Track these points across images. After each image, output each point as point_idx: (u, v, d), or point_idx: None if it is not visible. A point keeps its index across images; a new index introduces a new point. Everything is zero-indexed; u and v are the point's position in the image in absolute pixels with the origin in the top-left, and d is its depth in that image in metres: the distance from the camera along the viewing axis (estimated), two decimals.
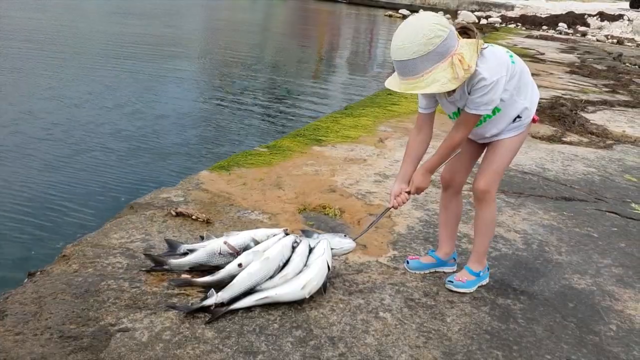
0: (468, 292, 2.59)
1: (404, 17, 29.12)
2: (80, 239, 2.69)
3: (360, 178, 3.95)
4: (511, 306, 2.54)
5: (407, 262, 2.76)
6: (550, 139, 5.59)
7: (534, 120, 2.49)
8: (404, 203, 2.50)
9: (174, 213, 2.99)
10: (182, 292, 2.33)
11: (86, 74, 8.61)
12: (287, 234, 2.58)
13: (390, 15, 29.34)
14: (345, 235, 2.61)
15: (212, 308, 2.20)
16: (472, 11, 29.07)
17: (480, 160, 2.62)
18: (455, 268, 2.79)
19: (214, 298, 2.21)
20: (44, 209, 4.19)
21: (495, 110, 2.32)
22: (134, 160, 5.31)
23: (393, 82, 2.25)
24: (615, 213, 3.83)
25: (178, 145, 5.87)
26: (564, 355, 2.24)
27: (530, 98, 2.43)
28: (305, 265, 2.42)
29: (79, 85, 7.86)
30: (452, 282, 2.61)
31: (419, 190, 2.49)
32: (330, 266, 2.43)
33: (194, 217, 2.96)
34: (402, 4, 32.84)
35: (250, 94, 8.77)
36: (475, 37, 2.22)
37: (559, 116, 6.55)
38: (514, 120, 2.42)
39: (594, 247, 3.26)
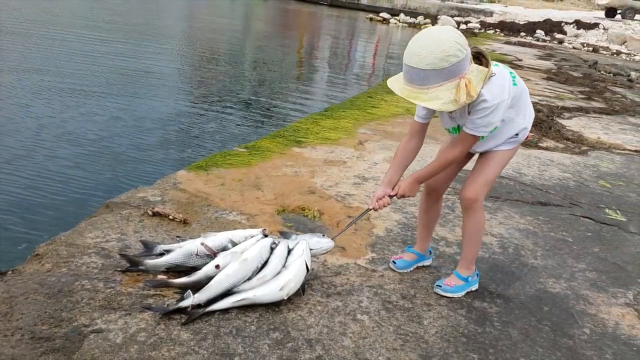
0: (456, 296, 2.61)
1: (384, 20, 29.22)
2: (54, 238, 2.63)
3: (339, 180, 3.95)
4: (487, 309, 2.56)
5: (394, 263, 2.79)
6: (527, 144, 5.66)
7: (526, 138, 2.55)
8: (384, 207, 2.51)
9: (150, 213, 2.95)
10: (158, 293, 2.30)
11: (61, 72, 8.48)
12: (265, 235, 2.57)
13: (371, 19, 29.43)
14: (323, 235, 2.61)
15: (189, 309, 2.18)
16: (452, 16, 29.34)
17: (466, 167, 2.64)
18: (430, 261, 2.88)
19: (191, 299, 2.19)
20: (16, 206, 4.10)
21: (493, 129, 2.33)
22: (111, 159, 5.23)
23: (396, 85, 2.22)
24: (590, 218, 3.89)
25: (155, 145, 5.80)
26: (538, 359, 2.26)
27: (528, 118, 2.47)
28: (283, 266, 2.41)
29: (54, 84, 7.73)
30: (441, 286, 2.63)
31: (404, 197, 2.52)
32: (309, 267, 2.43)
33: (170, 217, 2.93)
34: (382, 7, 32.98)
35: (229, 95, 8.72)
36: (486, 65, 2.20)
37: (535, 122, 6.61)
38: (511, 137, 2.46)
39: (569, 252, 3.31)
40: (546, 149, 5.69)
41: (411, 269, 2.80)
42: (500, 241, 3.31)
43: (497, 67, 2.28)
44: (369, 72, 13.64)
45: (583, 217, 3.90)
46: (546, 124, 6.62)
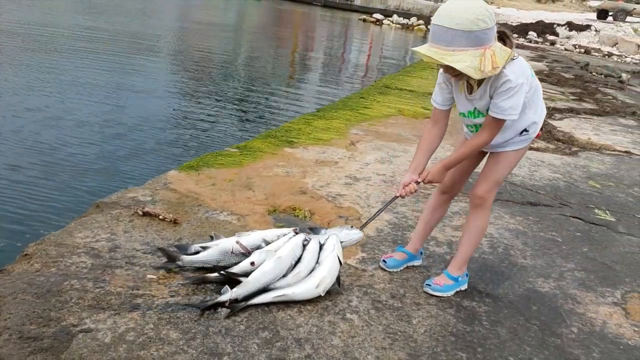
0: (446, 296, 2.62)
1: (378, 21, 29.24)
2: (44, 238, 2.62)
3: (331, 180, 3.95)
4: (476, 308, 2.58)
5: (385, 262, 2.80)
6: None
7: (537, 136, 2.56)
8: (412, 193, 2.53)
9: (140, 213, 2.95)
10: (148, 292, 2.30)
11: (52, 69, 8.44)
12: (296, 233, 2.60)
13: (364, 20, 29.47)
14: (351, 227, 2.65)
15: (226, 304, 2.24)
16: None
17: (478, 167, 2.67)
18: (421, 261, 2.89)
19: (229, 294, 2.26)
20: (5, 206, 4.09)
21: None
22: (102, 159, 5.22)
23: (421, 48, 2.21)
24: (579, 218, 3.92)
25: (146, 145, 5.79)
26: (526, 357, 2.28)
27: (539, 114, 2.49)
28: (317, 262, 2.46)
29: (45, 81, 7.70)
30: (430, 285, 2.64)
31: (431, 183, 2.54)
32: (341, 261, 2.48)
33: (161, 217, 2.93)
34: (376, 8, 33.04)
35: (221, 95, 8.71)
36: (510, 47, 2.23)
37: None
38: (521, 133, 2.46)
39: (558, 252, 3.33)
40: (537, 149, 5.72)
41: (401, 268, 2.81)
42: (490, 241, 3.33)
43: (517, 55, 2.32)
44: (362, 73, 13.67)
45: (572, 217, 3.93)
46: None
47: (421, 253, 2.91)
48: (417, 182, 2.51)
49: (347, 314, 2.37)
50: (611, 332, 2.56)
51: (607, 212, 4.13)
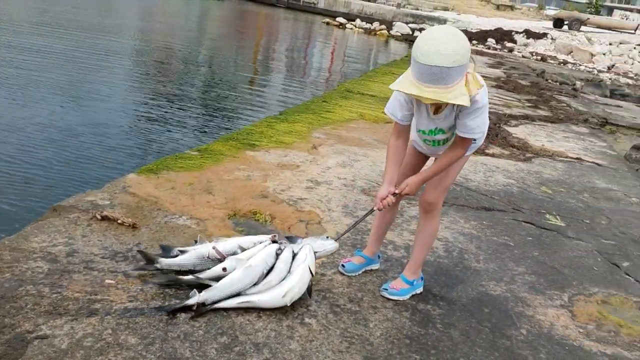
0: (402, 299, 2.69)
1: (341, 24, 29.36)
2: None
3: (292, 184, 3.99)
4: (431, 311, 2.66)
5: (343, 266, 2.85)
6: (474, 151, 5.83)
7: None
8: (388, 205, 2.58)
9: (99, 217, 2.92)
10: (106, 297, 2.29)
11: (4, 70, 8.23)
12: (274, 241, 2.63)
13: (327, 23, 29.62)
14: (327, 237, 2.69)
15: (194, 307, 2.27)
16: (407, 23, 29.86)
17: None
18: (378, 265, 2.96)
19: (196, 298, 2.29)
20: None
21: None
22: (59, 162, 5.12)
23: (411, 88, 2.19)
24: (531, 223, 4.06)
25: (105, 147, 5.71)
26: (477, 359, 2.36)
27: (486, 125, 2.56)
28: (289, 271, 2.49)
29: None
30: (387, 289, 2.71)
31: (408, 195, 2.59)
32: (312, 272, 2.50)
33: (119, 221, 2.91)
34: (339, 11, 33.26)
35: (181, 96, 8.64)
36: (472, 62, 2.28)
37: None
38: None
39: (510, 256, 3.45)
40: (492, 155, 5.88)
41: (360, 272, 2.87)
42: (445, 245, 3.42)
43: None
44: (325, 77, 13.74)
45: (525, 222, 4.07)
46: (493, 131, 6.83)
47: (379, 257, 2.98)
48: (394, 194, 2.57)
49: (305, 319, 2.41)
50: (558, 333, 2.68)
51: (557, 217, 4.29)
